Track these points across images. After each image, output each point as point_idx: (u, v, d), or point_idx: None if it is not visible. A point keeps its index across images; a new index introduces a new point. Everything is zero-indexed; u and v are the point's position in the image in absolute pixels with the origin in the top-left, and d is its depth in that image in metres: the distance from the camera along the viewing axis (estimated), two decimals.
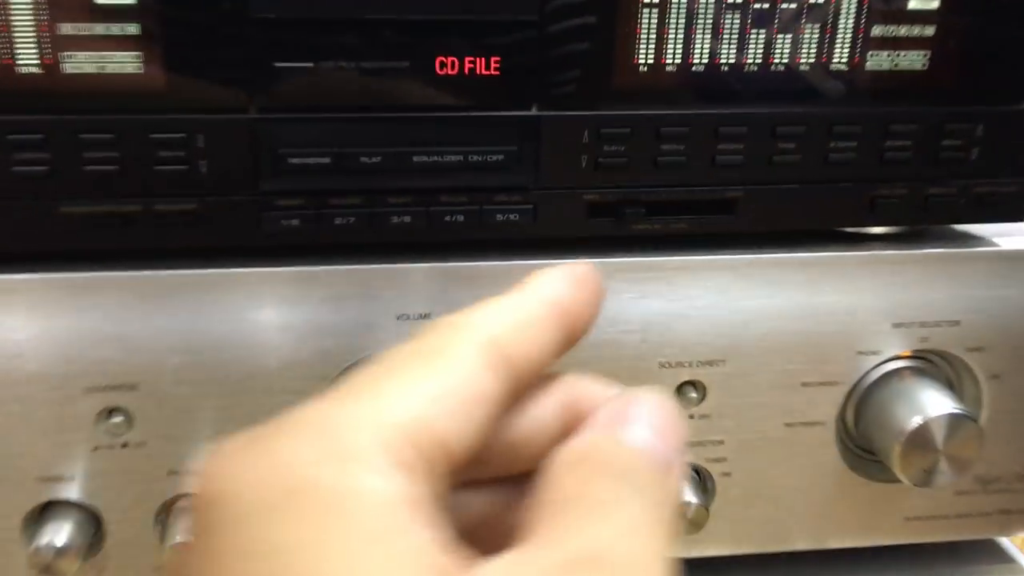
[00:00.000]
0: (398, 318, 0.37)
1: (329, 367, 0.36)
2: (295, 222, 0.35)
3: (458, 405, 0.19)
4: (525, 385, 0.22)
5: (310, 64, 0.33)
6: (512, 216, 0.37)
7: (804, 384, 0.40)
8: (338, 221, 0.36)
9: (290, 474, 0.17)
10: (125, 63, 0.33)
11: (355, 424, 0.18)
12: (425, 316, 0.37)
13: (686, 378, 0.39)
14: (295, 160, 0.34)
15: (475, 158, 0.35)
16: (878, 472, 0.42)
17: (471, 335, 0.21)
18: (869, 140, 0.39)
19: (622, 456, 0.20)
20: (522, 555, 0.17)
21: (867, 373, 0.41)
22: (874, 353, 0.40)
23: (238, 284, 0.36)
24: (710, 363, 0.39)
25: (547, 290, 0.22)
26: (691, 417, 0.40)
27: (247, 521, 0.17)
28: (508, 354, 0.21)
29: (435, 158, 0.35)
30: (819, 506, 0.42)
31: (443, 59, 0.34)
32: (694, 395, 0.40)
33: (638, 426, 0.20)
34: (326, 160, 0.34)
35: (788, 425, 0.41)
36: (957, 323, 0.40)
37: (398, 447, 0.18)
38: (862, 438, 0.42)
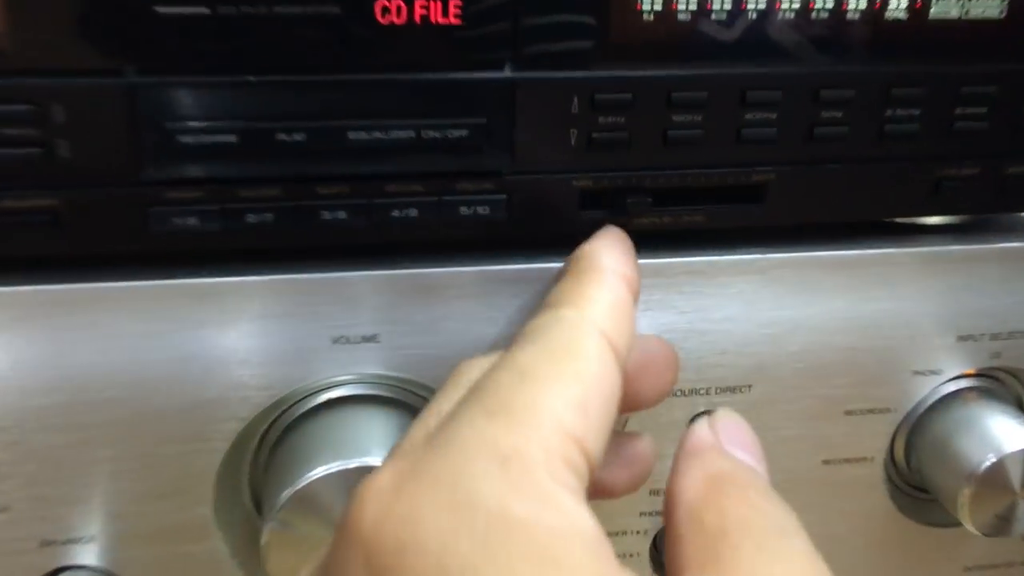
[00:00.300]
0: (335, 341, 0.33)
1: (247, 407, 0.32)
2: (192, 220, 0.31)
3: (599, 408, 0.21)
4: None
5: (204, 9, 0.29)
6: (480, 209, 0.34)
7: (848, 412, 0.37)
8: (251, 219, 0.32)
9: (484, 513, 0.18)
10: None
11: (525, 448, 0.19)
12: (370, 338, 0.33)
13: (702, 408, 0.36)
14: (188, 139, 0.30)
15: (431, 134, 0.32)
16: (934, 515, 0.39)
17: (591, 329, 0.23)
18: (934, 107, 0.35)
19: (752, 475, 0.22)
20: None
21: (924, 397, 0.38)
22: (934, 373, 0.38)
23: (121, 302, 0.31)
24: (732, 389, 0.36)
25: (619, 266, 0.25)
26: None
27: (448, 573, 0.17)
28: (615, 342, 0.23)
29: (378, 135, 0.32)
30: (863, 556, 0.40)
31: (386, 2, 0.30)
32: None
33: (740, 448, 0.23)
34: (231, 138, 0.31)
35: (827, 463, 0.38)
36: None
37: (569, 474, 0.19)
38: (915, 475, 0.39)
